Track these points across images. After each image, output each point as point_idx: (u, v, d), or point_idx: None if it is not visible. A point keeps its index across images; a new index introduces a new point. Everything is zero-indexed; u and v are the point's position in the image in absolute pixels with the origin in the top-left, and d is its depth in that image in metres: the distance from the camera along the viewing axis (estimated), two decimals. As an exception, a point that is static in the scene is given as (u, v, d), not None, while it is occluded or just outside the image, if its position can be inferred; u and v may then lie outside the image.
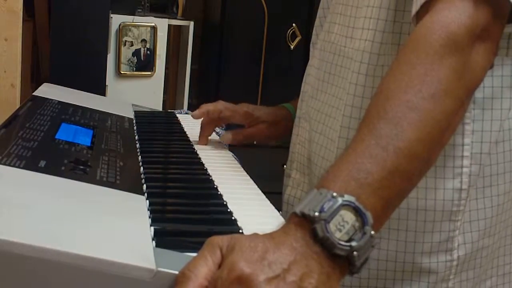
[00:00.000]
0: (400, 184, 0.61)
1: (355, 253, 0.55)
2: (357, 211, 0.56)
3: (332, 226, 0.55)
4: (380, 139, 0.60)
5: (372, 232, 0.56)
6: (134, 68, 2.54)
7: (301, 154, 0.97)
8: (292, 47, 2.79)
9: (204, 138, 1.13)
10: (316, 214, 0.55)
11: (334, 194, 0.57)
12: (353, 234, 0.56)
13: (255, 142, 1.17)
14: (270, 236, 0.56)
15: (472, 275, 0.84)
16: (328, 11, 0.96)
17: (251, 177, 0.96)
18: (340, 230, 0.55)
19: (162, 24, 2.56)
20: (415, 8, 0.70)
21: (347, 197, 0.57)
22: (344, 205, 0.56)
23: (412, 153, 0.61)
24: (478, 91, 0.78)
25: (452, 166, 0.80)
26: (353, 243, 0.55)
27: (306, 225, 0.56)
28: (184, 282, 0.54)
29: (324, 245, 0.55)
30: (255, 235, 0.56)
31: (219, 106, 1.12)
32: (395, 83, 0.64)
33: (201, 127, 1.14)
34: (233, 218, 0.75)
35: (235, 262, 0.52)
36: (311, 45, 1.02)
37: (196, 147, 1.10)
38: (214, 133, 1.18)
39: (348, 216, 0.56)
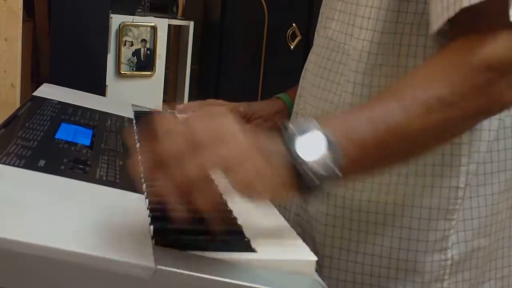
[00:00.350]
0: (378, 154, 0.65)
1: (308, 170, 0.58)
2: (328, 143, 0.60)
3: (299, 140, 0.59)
4: (386, 114, 0.64)
5: (333, 163, 0.59)
6: (134, 68, 2.54)
7: None
8: (292, 47, 2.79)
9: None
10: (291, 126, 0.58)
11: (318, 124, 0.60)
12: (314, 154, 0.59)
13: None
14: None
15: (468, 276, 0.83)
16: (326, 7, 0.96)
17: (251, 176, 0.96)
18: (305, 147, 0.59)
19: (162, 24, 2.57)
20: (436, 24, 0.69)
21: (327, 131, 0.60)
22: (320, 131, 0.60)
23: (405, 139, 0.65)
24: None
25: (450, 164, 0.80)
26: (310, 160, 0.58)
27: (280, 133, 0.60)
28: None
29: (286, 150, 0.59)
30: None
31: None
32: (425, 81, 0.67)
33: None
34: (232, 216, 0.75)
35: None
36: (314, 41, 1.02)
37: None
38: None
39: (319, 142, 0.60)
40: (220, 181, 0.90)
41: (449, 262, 0.82)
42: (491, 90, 0.67)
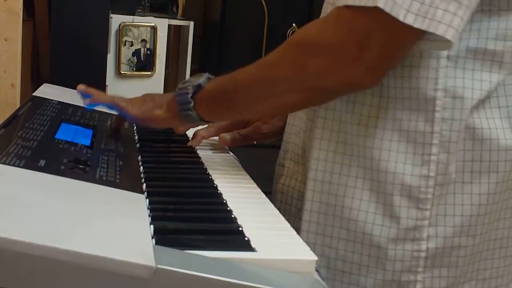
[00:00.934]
0: (223, 94, 0.90)
1: (179, 91, 0.92)
2: (201, 80, 0.91)
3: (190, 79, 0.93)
4: (237, 72, 0.89)
5: (191, 86, 0.90)
6: (134, 68, 2.54)
7: (296, 144, 0.97)
8: (292, 47, 2.79)
9: (196, 142, 1.12)
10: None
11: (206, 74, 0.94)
12: (187, 88, 0.91)
13: (255, 142, 1.17)
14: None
15: (446, 273, 0.83)
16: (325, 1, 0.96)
17: (251, 177, 0.97)
18: (184, 84, 0.92)
19: (162, 24, 2.57)
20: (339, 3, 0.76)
21: (204, 76, 0.93)
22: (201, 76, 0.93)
23: (239, 88, 0.88)
24: (449, 80, 0.79)
25: (421, 153, 0.80)
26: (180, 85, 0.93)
27: None
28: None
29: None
30: None
31: (213, 131, 1.12)
32: (272, 55, 0.85)
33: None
34: (232, 216, 0.76)
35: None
36: None
37: (196, 147, 1.10)
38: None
39: (195, 81, 0.91)
40: (222, 184, 0.90)
41: (423, 254, 0.81)
42: (299, 63, 0.78)
